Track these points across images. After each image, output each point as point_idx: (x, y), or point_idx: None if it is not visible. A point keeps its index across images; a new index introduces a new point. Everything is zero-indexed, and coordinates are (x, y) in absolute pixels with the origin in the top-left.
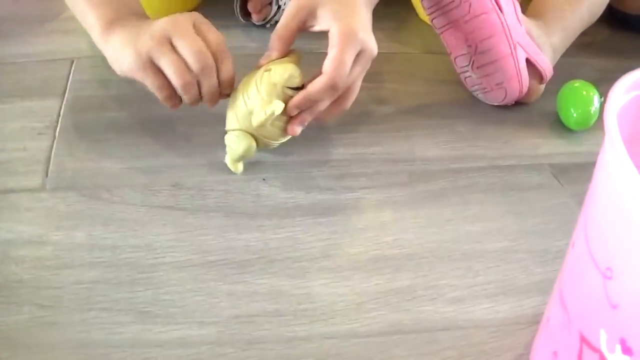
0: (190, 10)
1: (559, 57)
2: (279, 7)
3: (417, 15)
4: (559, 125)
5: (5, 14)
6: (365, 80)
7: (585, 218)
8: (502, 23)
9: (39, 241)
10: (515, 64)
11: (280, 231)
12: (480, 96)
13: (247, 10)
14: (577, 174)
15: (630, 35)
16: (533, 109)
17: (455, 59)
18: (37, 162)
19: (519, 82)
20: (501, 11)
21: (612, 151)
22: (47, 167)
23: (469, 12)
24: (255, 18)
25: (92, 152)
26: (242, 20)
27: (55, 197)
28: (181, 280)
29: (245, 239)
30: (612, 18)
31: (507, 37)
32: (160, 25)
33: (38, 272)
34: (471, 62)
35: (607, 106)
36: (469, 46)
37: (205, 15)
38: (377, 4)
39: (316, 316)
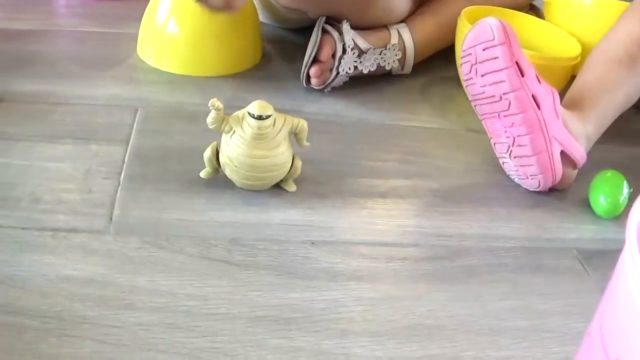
0: (251, 68)
1: (592, 144)
2: (338, 72)
3: (464, 93)
4: (589, 212)
5: (71, 56)
6: (412, 153)
7: (602, 311)
8: (539, 120)
9: (103, 281)
10: (550, 158)
11: (325, 293)
12: (516, 180)
13: (309, 74)
14: (602, 261)
15: None
16: (566, 195)
17: (494, 144)
18: (102, 205)
19: (553, 174)
20: (539, 108)
21: (630, 261)
22: (112, 211)
23: (509, 108)
24: (314, 82)
25: (155, 200)
26: (304, 84)
27: (119, 240)
28: (232, 331)
29: (293, 298)
30: None
31: (543, 133)
32: None
33: (101, 310)
34: (509, 151)
35: (629, 220)
36: (508, 137)
37: (267, 76)
38: (428, 80)
39: None
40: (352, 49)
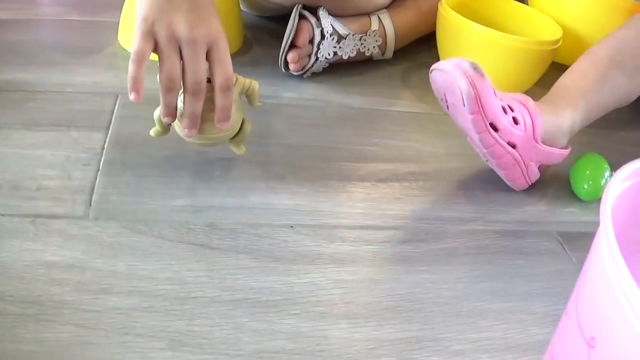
0: (231, 55)
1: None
2: (317, 58)
3: None
4: (570, 195)
5: (51, 44)
6: (392, 137)
7: (578, 290)
8: (515, 159)
9: (81, 266)
10: (525, 177)
11: (304, 276)
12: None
13: (287, 60)
14: (583, 243)
15: None
16: (548, 177)
17: (470, 140)
18: (82, 191)
19: (527, 183)
20: (515, 147)
21: (605, 241)
22: (91, 197)
23: (483, 151)
24: (292, 68)
25: (134, 186)
26: (282, 69)
27: (97, 226)
28: (210, 314)
29: (272, 281)
30: None
31: (520, 167)
32: (182, 23)
33: (79, 295)
34: (485, 159)
35: (603, 198)
36: (484, 155)
37: (248, 63)
38: (409, 65)
39: (331, 357)
40: (330, 35)
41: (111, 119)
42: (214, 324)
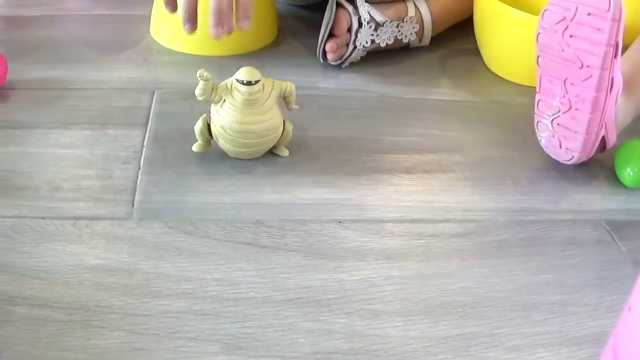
0: (267, 47)
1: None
2: (355, 47)
3: (484, 65)
4: (615, 182)
5: (82, 40)
6: (434, 127)
7: None
8: (605, 103)
9: (127, 269)
10: (594, 141)
11: (356, 273)
12: (543, 143)
13: (325, 49)
14: (631, 231)
15: None
16: (592, 165)
17: (539, 101)
18: (123, 191)
19: (588, 155)
20: (610, 92)
21: None
22: (134, 197)
23: (584, 81)
24: (330, 57)
25: (177, 184)
26: (321, 60)
27: (142, 226)
28: (263, 316)
29: (323, 279)
30: None
31: (601, 117)
32: None
33: (127, 299)
34: (554, 116)
35: None
36: (562, 104)
37: (284, 54)
38: (446, 52)
39: (387, 357)
40: (368, 23)
41: (149, 115)
42: (267, 325)
